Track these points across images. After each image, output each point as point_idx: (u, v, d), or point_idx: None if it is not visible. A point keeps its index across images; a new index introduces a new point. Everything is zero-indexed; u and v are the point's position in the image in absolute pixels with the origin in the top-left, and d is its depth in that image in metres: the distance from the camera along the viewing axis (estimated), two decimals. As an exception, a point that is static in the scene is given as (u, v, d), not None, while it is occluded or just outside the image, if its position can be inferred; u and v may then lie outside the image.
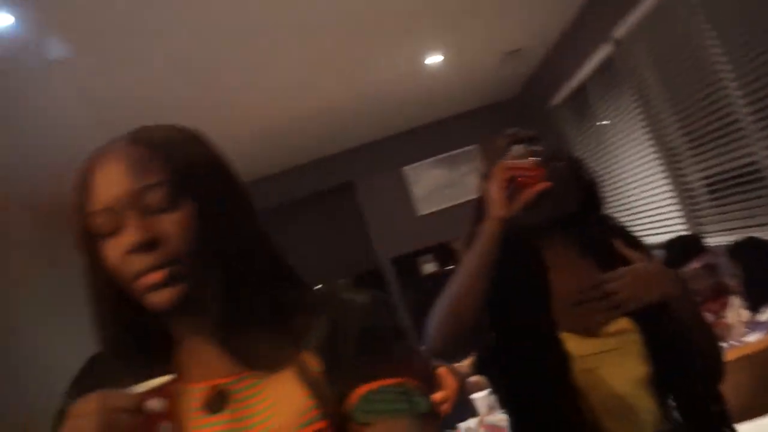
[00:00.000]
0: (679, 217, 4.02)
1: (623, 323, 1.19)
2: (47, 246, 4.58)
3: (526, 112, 6.13)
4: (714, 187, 3.67)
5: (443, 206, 6.10)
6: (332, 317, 0.78)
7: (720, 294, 2.99)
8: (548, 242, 1.30)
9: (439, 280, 5.00)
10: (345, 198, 6.50)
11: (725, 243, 3.39)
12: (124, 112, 2.62)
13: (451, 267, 5.79)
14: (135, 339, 0.79)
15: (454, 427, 2.37)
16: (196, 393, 0.77)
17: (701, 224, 3.80)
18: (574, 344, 1.19)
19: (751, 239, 2.86)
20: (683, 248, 3.07)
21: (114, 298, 0.77)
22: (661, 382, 1.17)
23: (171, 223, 0.74)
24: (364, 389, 0.74)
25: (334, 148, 6.10)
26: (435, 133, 6.24)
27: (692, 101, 3.50)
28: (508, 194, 1.16)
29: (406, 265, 6.15)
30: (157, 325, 0.80)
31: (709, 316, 2.90)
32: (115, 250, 0.74)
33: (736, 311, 2.82)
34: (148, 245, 0.72)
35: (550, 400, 1.18)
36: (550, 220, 1.27)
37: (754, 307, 2.69)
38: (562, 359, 1.18)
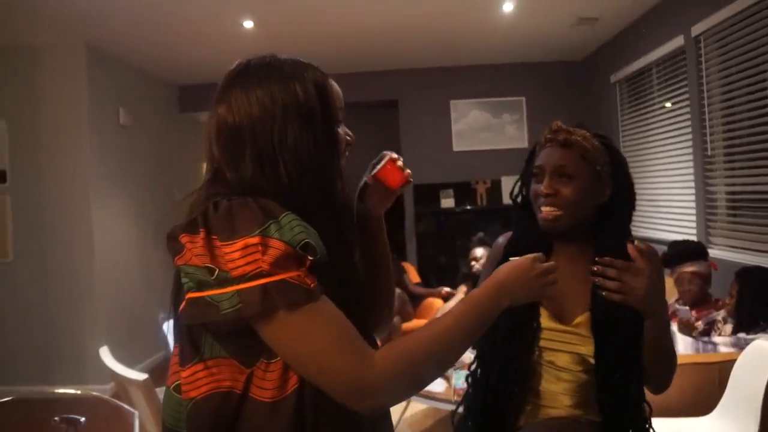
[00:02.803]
0: (692, 221, 4.14)
1: (585, 318, 1.37)
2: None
3: (584, 79, 6.15)
4: (735, 204, 3.77)
5: (476, 148, 6.20)
6: None
7: (703, 303, 3.15)
8: (565, 241, 1.47)
9: (452, 216, 5.25)
10: (389, 115, 6.61)
11: (729, 259, 3.54)
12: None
13: (468, 207, 5.93)
14: None
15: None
16: None
17: (711, 235, 3.93)
18: (546, 320, 1.41)
19: (758, 268, 2.96)
20: (683, 251, 3.20)
21: None
22: (599, 373, 1.36)
23: None
24: None
25: (392, 65, 6.14)
26: (489, 76, 6.24)
27: (743, 115, 3.55)
28: None
29: (427, 193, 6.29)
30: None
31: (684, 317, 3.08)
32: None
33: (720, 324, 2.99)
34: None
35: (513, 352, 1.40)
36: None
37: (736, 329, 2.85)
38: (535, 326, 1.40)
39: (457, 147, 6.30)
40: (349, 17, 4.50)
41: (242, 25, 4.43)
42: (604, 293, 1.28)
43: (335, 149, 1.04)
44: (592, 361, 1.35)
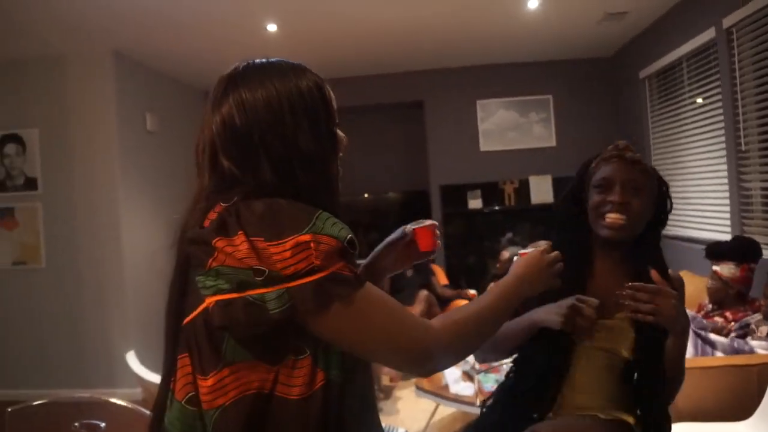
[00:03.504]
0: (726, 219, 4.03)
1: (624, 317, 1.47)
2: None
3: (612, 76, 6.03)
4: (771, 200, 3.65)
5: (503, 148, 6.13)
6: None
7: (734, 305, 3.03)
8: (606, 252, 1.58)
9: (480, 217, 5.19)
10: (414, 116, 6.57)
11: (766, 258, 3.41)
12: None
13: (496, 207, 5.88)
14: None
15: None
16: None
17: (746, 233, 3.80)
18: None
19: None
20: (713, 248, 3.11)
21: None
22: (629, 372, 1.45)
23: None
24: None
25: (417, 66, 6.10)
26: (515, 75, 6.17)
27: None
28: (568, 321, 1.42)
29: (454, 194, 6.24)
30: None
31: (718, 321, 2.98)
32: None
33: (757, 326, 2.88)
34: None
35: (549, 345, 1.48)
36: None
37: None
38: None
39: (484, 147, 6.23)
40: (372, 18, 4.47)
41: (266, 28, 4.44)
42: (639, 315, 1.40)
43: (336, 151, 1.06)
44: (626, 354, 1.45)
